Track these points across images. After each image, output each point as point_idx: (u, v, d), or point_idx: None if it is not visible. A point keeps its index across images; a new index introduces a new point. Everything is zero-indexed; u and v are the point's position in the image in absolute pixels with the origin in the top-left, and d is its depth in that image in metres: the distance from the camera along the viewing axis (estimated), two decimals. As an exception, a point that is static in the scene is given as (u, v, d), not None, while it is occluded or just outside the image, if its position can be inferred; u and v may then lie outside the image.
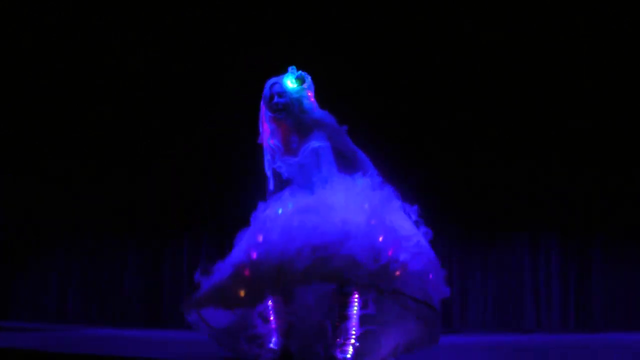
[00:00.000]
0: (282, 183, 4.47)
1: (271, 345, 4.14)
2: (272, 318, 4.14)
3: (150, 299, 8.57)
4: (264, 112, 4.44)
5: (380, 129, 7.61)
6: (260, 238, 4.12)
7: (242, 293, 4.02)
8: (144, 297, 8.58)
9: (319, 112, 4.41)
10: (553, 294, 8.14)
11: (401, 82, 8.00)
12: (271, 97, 4.38)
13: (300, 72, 4.45)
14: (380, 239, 4.01)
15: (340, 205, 4.12)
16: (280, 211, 4.24)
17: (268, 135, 4.40)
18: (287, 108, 4.34)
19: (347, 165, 4.41)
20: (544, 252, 8.21)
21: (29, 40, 8.28)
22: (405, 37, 7.97)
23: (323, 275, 3.89)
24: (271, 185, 4.48)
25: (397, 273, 3.91)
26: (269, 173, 4.50)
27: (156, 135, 8.34)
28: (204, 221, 8.37)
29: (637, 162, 7.92)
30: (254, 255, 4.06)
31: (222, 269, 4.24)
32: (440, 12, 7.90)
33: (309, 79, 4.46)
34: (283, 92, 4.36)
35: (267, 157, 4.46)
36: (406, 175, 7.12)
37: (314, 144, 4.30)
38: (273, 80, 4.43)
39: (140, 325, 8.34)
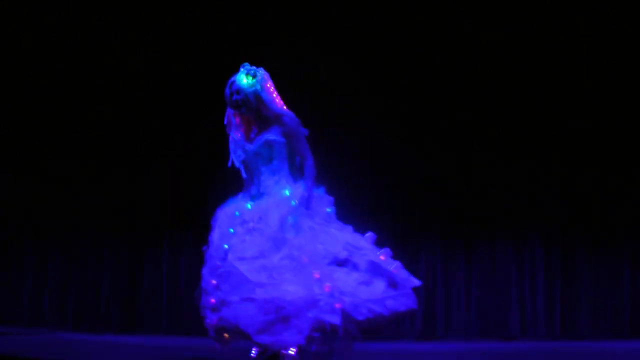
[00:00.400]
0: (250, 172, 4.81)
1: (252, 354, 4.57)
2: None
3: (128, 302, 8.45)
4: (228, 109, 4.80)
5: (363, 125, 7.86)
6: (214, 282, 4.52)
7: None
8: (121, 301, 8.45)
9: (279, 108, 4.74)
10: (538, 300, 7.99)
11: (400, 81, 7.97)
12: (230, 95, 4.72)
13: (252, 68, 4.75)
14: (317, 275, 4.37)
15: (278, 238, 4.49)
16: (232, 230, 4.61)
17: (232, 127, 4.79)
18: (245, 104, 4.69)
19: (295, 168, 4.75)
20: (529, 257, 8.07)
21: (29, 40, 8.26)
22: (405, 36, 7.95)
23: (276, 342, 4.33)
24: (244, 174, 4.85)
25: (338, 305, 4.30)
26: (237, 164, 4.83)
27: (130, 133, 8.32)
28: (185, 222, 8.19)
29: (621, 163, 7.83)
30: (213, 301, 4.52)
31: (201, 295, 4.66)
32: (440, 12, 7.87)
33: (260, 73, 4.75)
34: (239, 89, 4.70)
35: (231, 148, 4.81)
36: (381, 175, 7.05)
37: (269, 136, 4.66)
38: (231, 79, 4.75)
39: (116, 331, 8.27)
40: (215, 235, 4.71)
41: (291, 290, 4.31)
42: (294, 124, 4.72)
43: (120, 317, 8.42)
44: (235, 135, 4.80)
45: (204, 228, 7.62)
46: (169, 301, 8.36)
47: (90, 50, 8.25)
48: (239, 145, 4.77)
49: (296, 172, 4.75)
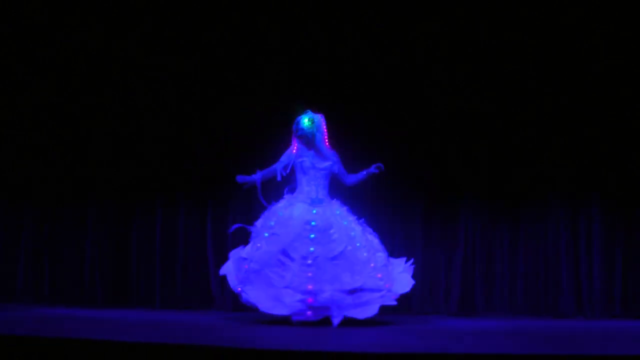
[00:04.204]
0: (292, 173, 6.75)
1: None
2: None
3: (115, 275, 8.00)
4: (293, 137, 6.70)
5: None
6: (311, 287, 6.21)
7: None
8: (107, 273, 7.99)
9: (325, 148, 6.68)
10: (594, 273, 7.42)
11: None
12: (296, 130, 6.68)
13: (313, 115, 6.65)
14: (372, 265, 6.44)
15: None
16: (312, 236, 6.38)
17: (296, 147, 6.71)
18: (304, 138, 6.66)
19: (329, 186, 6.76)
20: (585, 224, 7.47)
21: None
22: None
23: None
24: (285, 172, 6.75)
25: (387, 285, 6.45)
26: (288, 170, 6.72)
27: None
28: (180, 180, 7.89)
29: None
30: (310, 288, 6.23)
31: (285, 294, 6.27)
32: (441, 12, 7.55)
33: (318, 118, 6.66)
34: (302, 129, 6.64)
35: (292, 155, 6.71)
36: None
37: (331, 162, 6.64)
38: (298, 118, 6.65)
39: (101, 305, 7.83)
40: (288, 236, 6.35)
41: (364, 280, 6.27)
42: (335, 159, 6.69)
43: (107, 290, 7.98)
44: (293, 151, 6.69)
45: (203, 187, 7.60)
46: (163, 272, 7.93)
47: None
48: (301, 157, 6.64)
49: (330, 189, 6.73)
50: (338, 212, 6.52)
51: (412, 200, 7.71)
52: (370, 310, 6.24)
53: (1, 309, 7.22)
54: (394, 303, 6.40)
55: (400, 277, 6.51)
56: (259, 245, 6.40)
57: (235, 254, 6.61)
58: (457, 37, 7.55)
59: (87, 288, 7.98)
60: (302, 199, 6.58)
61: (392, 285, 6.39)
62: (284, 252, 6.29)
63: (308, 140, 6.61)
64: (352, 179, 6.75)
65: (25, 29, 7.94)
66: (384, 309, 6.36)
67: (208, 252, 7.86)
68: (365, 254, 6.35)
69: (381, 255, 6.44)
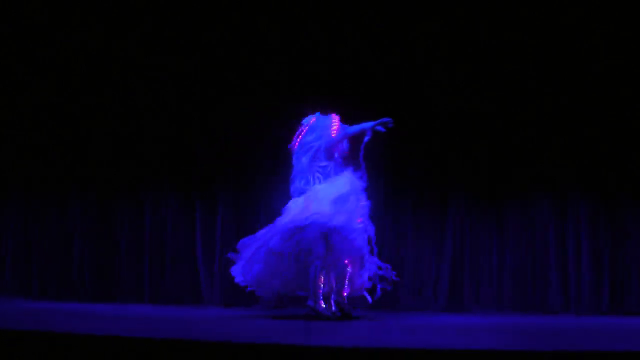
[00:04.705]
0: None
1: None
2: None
3: (104, 269, 8.00)
4: (302, 134, 6.68)
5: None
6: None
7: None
8: (94, 266, 8.00)
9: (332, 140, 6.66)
10: (582, 269, 7.36)
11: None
12: (302, 128, 6.67)
13: (323, 116, 6.67)
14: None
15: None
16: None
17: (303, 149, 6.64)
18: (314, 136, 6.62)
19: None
20: (573, 219, 7.41)
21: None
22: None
23: None
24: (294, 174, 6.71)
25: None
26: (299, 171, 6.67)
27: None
28: (170, 168, 7.90)
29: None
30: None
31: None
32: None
33: (329, 118, 6.67)
34: (313, 127, 6.63)
35: (301, 159, 6.65)
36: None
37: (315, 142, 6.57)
38: (309, 117, 6.68)
39: (89, 300, 7.82)
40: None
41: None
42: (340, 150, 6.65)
43: (95, 284, 7.99)
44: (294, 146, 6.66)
45: (192, 181, 7.79)
46: (151, 266, 7.94)
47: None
48: (298, 154, 6.62)
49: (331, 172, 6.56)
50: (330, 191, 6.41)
51: (402, 195, 7.66)
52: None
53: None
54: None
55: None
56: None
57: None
58: (457, 37, 7.52)
59: (75, 282, 7.99)
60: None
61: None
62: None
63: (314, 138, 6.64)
64: (351, 129, 6.60)
65: (25, 29, 7.94)
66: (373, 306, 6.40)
67: (197, 246, 7.86)
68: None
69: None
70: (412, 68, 7.59)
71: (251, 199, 7.77)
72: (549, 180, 7.49)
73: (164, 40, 7.79)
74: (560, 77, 7.47)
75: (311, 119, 6.72)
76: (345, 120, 6.96)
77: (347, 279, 6.35)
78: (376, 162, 6.77)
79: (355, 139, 6.61)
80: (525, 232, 7.56)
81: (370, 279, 6.47)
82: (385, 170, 7.33)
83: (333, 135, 6.59)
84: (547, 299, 7.45)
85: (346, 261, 6.32)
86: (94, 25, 7.86)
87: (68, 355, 4.58)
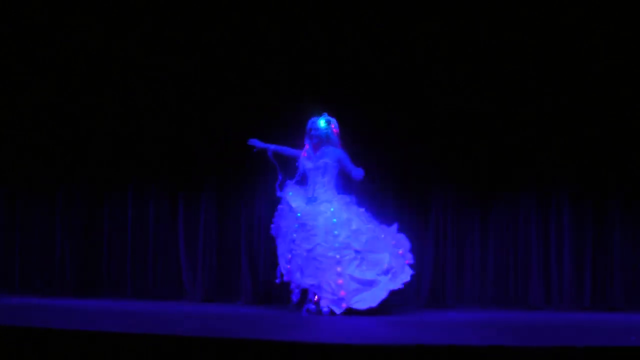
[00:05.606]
0: (302, 177, 6.99)
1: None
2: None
3: (86, 264, 7.99)
4: (306, 137, 6.93)
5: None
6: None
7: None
8: (78, 263, 8.00)
9: (332, 149, 6.85)
10: (565, 265, 7.39)
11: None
12: (310, 130, 6.89)
13: (329, 118, 6.87)
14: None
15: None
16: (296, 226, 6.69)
17: (306, 148, 6.94)
18: (316, 137, 6.87)
19: (339, 183, 6.93)
20: (555, 216, 7.45)
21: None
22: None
23: None
24: (297, 178, 6.98)
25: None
26: (301, 170, 6.98)
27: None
28: (153, 164, 7.88)
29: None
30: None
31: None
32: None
33: (333, 121, 6.89)
34: (317, 129, 6.86)
35: (300, 162, 6.97)
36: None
37: (326, 159, 6.82)
38: (313, 119, 6.89)
39: (71, 295, 7.80)
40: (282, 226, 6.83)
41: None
42: (345, 155, 6.81)
43: (77, 279, 7.99)
44: (303, 155, 6.94)
45: (174, 177, 7.88)
46: (134, 262, 7.95)
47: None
48: (305, 159, 6.91)
49: (339, 186, 6.88)
50: (332, 210, 6.61)
51: (384, 190, 7.63)
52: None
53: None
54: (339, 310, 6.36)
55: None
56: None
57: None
58: (457, 37, 7.52)
59: (57, 277, 7.99)
60: (303, 194, 6.83)
61: (347, 295, 6.38)
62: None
63: (320, 140, 6.82)
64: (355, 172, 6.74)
65: (25, 29, 7.93)
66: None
67: (179, 241, 7.87)
68: (333, 254, 6.42)
69: (350, 255, 6.45)
70: (412, 68, 7.59)
71: (233, 197, 7.80)
72: (532, 178, 7.54)
73: (164, 40, 7.78)
74: (560, 77, 7.48)
75: (317, 121, 6.83)
76: (346, 120, 6.99)
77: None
78: (386, 166, 6.92)
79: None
80: (508, 229, 7.58)
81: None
82: (369, 163, 7.10)
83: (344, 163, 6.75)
84: (530, 295, 7.48)
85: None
86: (94, 25, 7.84)
87: (48, 350, 4.52)
